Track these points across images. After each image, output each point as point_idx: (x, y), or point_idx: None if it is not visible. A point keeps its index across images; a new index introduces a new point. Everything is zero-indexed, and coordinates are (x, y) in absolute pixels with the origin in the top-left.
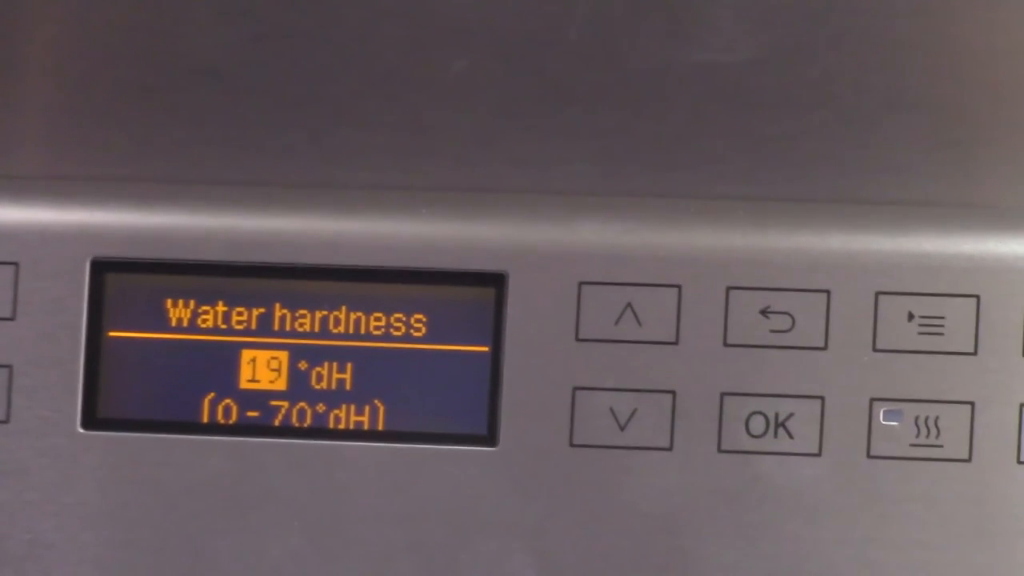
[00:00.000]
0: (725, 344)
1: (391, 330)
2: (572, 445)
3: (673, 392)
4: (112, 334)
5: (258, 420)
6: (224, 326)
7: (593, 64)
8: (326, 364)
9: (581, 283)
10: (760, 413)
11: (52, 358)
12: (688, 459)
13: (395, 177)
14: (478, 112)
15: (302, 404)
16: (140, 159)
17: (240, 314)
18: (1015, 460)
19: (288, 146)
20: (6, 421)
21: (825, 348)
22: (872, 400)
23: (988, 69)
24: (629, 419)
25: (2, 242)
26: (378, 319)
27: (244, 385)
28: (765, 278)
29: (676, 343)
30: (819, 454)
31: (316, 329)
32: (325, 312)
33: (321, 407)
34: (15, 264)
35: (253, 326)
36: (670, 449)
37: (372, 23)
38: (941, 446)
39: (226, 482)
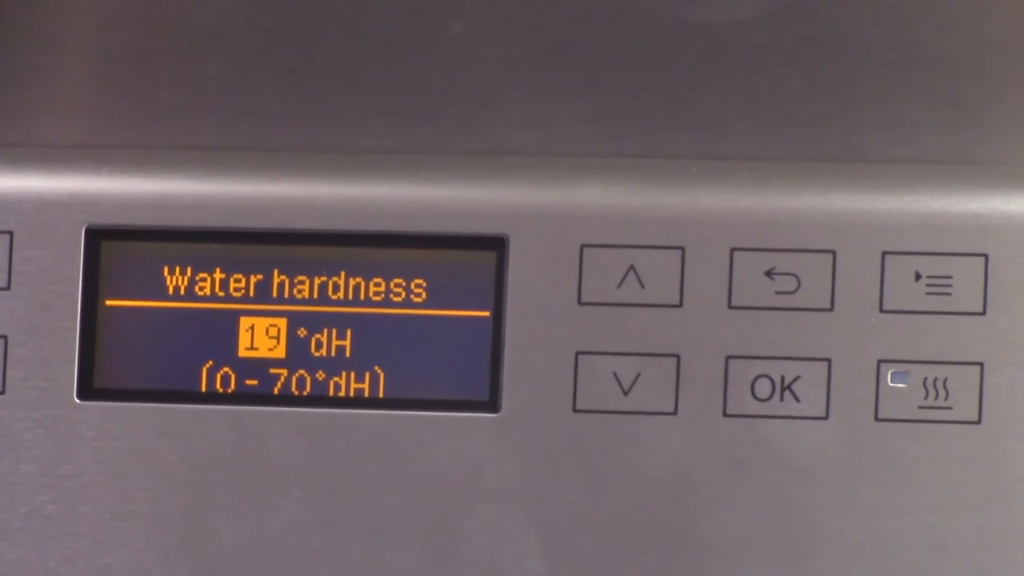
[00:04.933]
0: (729, 306)
1: (391, 296)
2: (575, 410)
3: (677, 356)
4: (109, 303)
5: (257, 388)
6: (222, 293)
7: (594, 24)
8: (325, 331)
9: (583, 246)
10: (766, 376)
11: (47, 328)
12: (693, 424)
13: (394, 140)
14: (478, 74)
15: (301, 372)
16: (135, 125)
17: (238, 281)
18: None
19: (285, 110)
20: (1, 392)
21: (831, 309)
22: (879, 362)
23: (995, 24)
24: (633, 383)
25: None
26: (377, 285)
27: (243, 353)
28: (770, 239)
29: (680, 306)
30: (826, 417)
31: (315, 296)
32: (324, 278)
33: (321, 375)
34: (9, 233)
35: (251, 293)
36: (674, 414)
37: None
38: (950, 408)
39: (225, 452)
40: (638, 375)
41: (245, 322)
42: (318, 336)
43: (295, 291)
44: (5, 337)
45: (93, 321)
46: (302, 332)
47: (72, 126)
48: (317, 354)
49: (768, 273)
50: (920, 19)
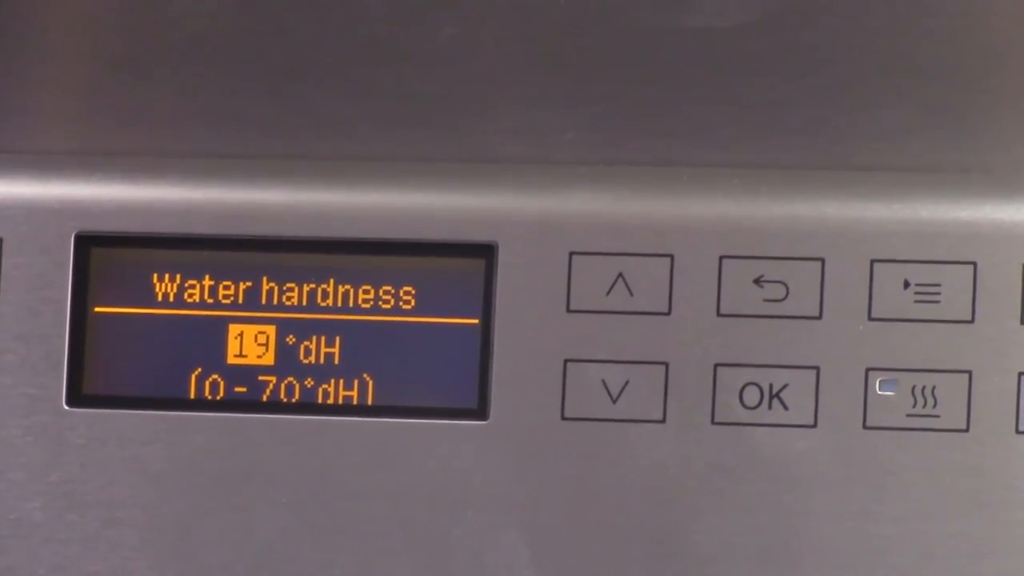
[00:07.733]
0: (718, 314)
1: (380, 303)
2: (564, 418)
3: (666, 363)
4: (98, 310)
5: (246, 396)
6: (211, 300)
7: (583, 31)
8: (314, 338)
9: (572, 253)
10: (754, 384)
11: (37, 335)
12: (681, 431)
13: (383, 147)
14: (467, 81)
15: (290, 379)
16: (124, 132)
17: (227, 288)
18: (1014, 430)
19: (275, 117)
20: None
21: (820, 317)
22: (868, 370)
23: (984, 32)
24: (621, 391)
25: None
26: (366, 292)
27: (231, 360)
28: (758, 247)
29: (668, 313)
30: (814, 425)
31: (304, 303)
32: (313, 285)
33: (310, 382)
34: None
35: (240, 300)
36: (663, 421)
37: None
38: (938, 416)
39: (214, 459)
40: (626, 383)
41: (234, 329)
42: (307, 343)
43: (284, 298)
44: None
45: (82, 328)
46: (291, 339)
47: (62, 133)
48: (306, 361)
49: (757, 281)
50: (909, 26)
